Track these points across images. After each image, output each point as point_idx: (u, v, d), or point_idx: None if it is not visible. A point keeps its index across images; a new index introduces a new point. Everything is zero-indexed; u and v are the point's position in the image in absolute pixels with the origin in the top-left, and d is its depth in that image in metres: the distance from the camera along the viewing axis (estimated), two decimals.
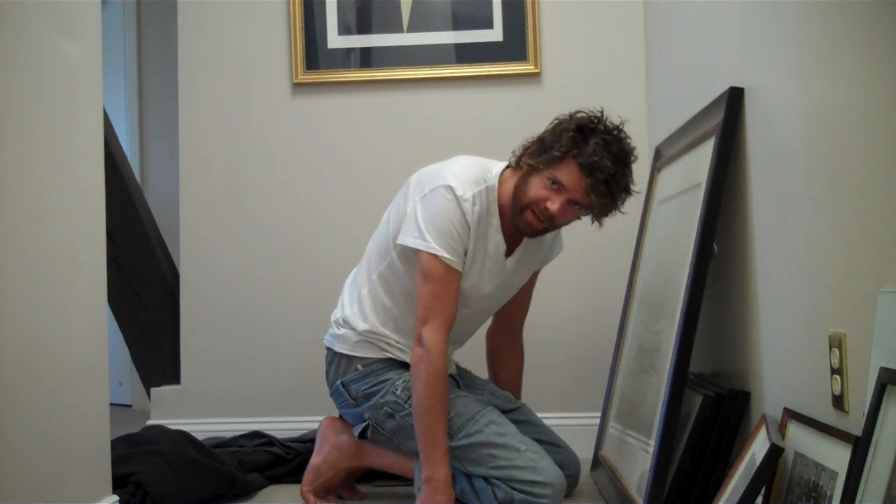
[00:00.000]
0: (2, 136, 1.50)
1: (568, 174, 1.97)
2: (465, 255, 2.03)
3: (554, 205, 1.99)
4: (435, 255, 1.98)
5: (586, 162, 1.94)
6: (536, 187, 2.00)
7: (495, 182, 2.07)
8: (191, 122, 2.88)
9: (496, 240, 2.08)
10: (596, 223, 2.08)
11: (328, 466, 2.24)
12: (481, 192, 2.04)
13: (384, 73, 2.83)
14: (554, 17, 2.81)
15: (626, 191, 2.02)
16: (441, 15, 2.82)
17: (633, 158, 2.02)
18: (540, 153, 2.01)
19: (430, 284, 1.99)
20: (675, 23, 2.43)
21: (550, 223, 2.04)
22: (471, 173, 2.05)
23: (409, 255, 2.06)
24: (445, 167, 2.08)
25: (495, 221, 2.07)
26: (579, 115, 2.03)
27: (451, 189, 2.00)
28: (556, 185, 1.98)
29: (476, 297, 2.13)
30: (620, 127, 2.02)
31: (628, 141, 2.02)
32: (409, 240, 2.02)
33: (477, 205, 2.03)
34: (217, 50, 2.88)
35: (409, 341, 2.12)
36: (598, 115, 2.02)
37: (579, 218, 2.09)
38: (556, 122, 2.05)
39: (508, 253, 2.13)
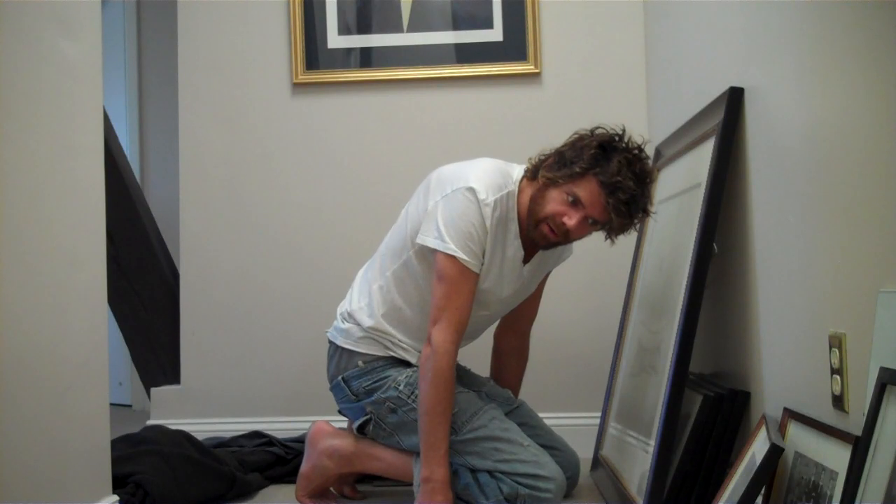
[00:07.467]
0: (2, 136, 1.50)
1: (588, 191, 1.95)
2: (483, 257, 2.03)
3: (571, 220, 1.97)
4: (452, 257, 1.98)
5: (608, 181, 1.92)
6: (554, 202, 1.99)
7: (515, 188, 2.07)
8: (191, 122, 2.88)
9: (514, 245, 2.08)
10: (608, 240, 2.06)
11: (318, 473, 2.22)
12: (502, 198, 2.03)
13: (384, 73, 2.83)
14: (554, 17, 2.81)
15: (645, 211, 2.01)
16: (441, 15, 2.82)
17: (652, 179, 2.02)
18: (559, 167, 1.99)
19: (443, 285, 1.99)
20: (675, 23, 2.43)
21: (565, 238, 2.03)
22: (493, 177, 2.04)
23: (427, 255, 2.06)
24: (468, 168, 2.07)
25: (514, 227, 2.06)
26: (600, 130, 2.00)
27: (473, 191, 1.99)
28: (575, 201, 1.97)
29: (494, 301, 2.14)
30: (642, 146, 2.00)
31: (649, 161, 2.01)
32: (428, 240, 2.02)
33: (497, 210, 2.02)
34: (217, 50, 2.88)
35: (415, 342, 2.13)
36: (620, 132, 2.00)
37: (590, 234, 2.06)
38: (576, 136, 2.02)
39: (526, 259, 2.12)
